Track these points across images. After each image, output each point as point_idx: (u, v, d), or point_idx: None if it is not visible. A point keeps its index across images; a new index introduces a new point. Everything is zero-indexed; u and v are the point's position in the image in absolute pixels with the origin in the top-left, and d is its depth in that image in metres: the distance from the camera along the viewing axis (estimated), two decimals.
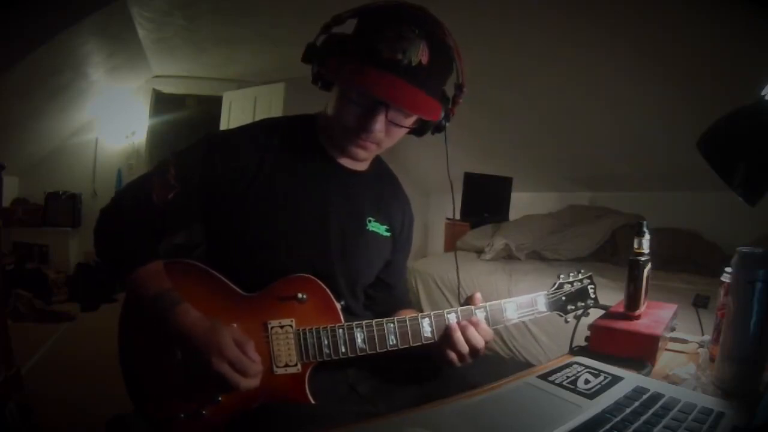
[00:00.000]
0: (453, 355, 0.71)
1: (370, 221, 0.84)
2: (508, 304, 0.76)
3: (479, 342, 0.71)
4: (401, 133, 0.77)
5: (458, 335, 0.70)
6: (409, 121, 0.75)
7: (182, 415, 0.69)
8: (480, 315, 0.74)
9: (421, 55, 0.66)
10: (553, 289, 0.81)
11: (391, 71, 0.66)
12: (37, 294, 3.06)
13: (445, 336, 0.71)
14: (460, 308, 0.74)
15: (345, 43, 0.71)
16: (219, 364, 0.64)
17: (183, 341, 0.68)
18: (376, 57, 0.66)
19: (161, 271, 0.73)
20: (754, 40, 1.78)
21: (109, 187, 3.98)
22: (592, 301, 0.83)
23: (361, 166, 0.85)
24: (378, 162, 0.89)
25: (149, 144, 4.29)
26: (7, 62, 2.39)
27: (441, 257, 3.26)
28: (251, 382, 0.66)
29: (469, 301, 0.76)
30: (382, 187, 0.89)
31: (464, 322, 0.72)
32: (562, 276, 0.82)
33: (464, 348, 0.70)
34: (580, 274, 0.84)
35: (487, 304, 0.74)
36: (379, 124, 0.71)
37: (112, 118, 4.17)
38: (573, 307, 0.81)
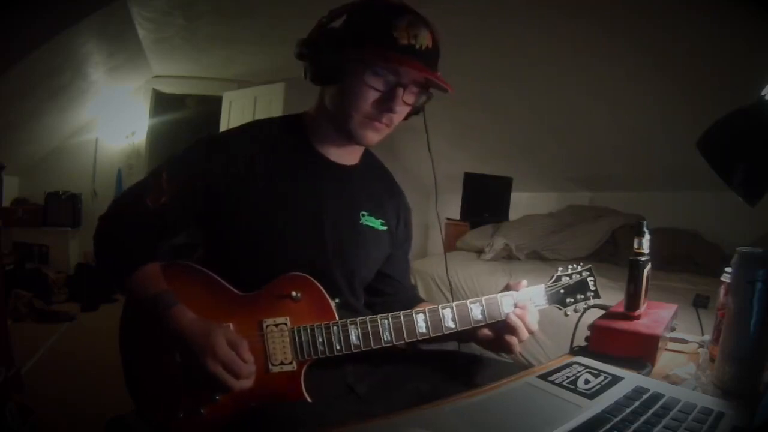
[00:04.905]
0: (514, 339, 0.74)
1: (363, 215, 0.84)
2: (504, 298, 0.75)
3: (535, 326, 0.75)
4: (406, 111, 0.80)
5: (519, 323, 0.74)
6: (412, 100, 0.78)
7: (181, 415, 0.69)
8: (476, 309, 0.74)
9: (428, 40, 0.72)
10: (552, 281, 0.80)
11: (410, 56, 0.70)
12: (37, 294, 3.06)
13: (508, 325, 0.74)
14: (454, 303, 0.74)
15: (357, 35, 0.73)
16: (213, 366, 0.65)
17: (179, 343, 0.68)
18: (395, 44, 0.70)
19: (158, 273, 0.73)
20: (754, 40, 1.78)
21: (109, 187, 3.97)
22: (593, 293, 0.81)
23: (352, 161, 0.85)
24: (368, 155, 0.89)
25: (149, 144, 4.29)
26: (7, 62, 2.39)
27: (441, 257, 3.26)
28: (244, 383, 0.67)
29: (510, 287, 0.78)
30: (375, 181, 0.89)
31: (520, 311, 0.74)
32: (560, 269, 0.81)
33: (525, 334, 0.74)
34: (579, 267, 0.82)
35: (483, 298, 0.74)
36: (400, 103, 0.75)
37: (112, 118, 4.16)
38: (572, 300, 0.79)
